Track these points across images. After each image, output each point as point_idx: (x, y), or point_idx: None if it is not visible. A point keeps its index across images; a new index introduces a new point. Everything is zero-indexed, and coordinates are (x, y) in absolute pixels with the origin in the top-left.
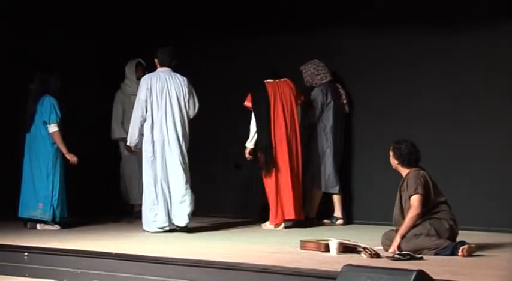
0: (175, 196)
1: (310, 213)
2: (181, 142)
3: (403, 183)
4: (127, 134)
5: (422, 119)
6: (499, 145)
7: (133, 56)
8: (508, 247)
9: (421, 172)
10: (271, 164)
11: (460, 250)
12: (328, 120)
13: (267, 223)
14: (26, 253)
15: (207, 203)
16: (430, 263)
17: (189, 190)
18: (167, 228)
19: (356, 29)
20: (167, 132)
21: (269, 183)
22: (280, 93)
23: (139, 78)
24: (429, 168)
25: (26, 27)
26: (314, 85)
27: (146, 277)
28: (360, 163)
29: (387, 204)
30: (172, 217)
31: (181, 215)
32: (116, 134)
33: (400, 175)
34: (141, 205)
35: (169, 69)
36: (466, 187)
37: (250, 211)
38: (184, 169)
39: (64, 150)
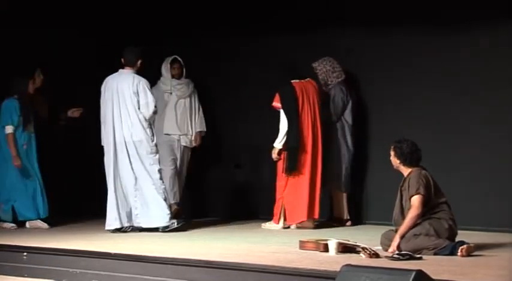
0: (135, 197)
1: (342, 214)
2: (130, 144)
3: (404, 183)
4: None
5: (422, 119)
6: (499, 145)
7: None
8: (508, 247)
9: (423, 172)
10: (295, 165)
11: (459, 250)
12: (348, 119)
13: (267, 223)
14: (25, 253)
15: (207, 203)
16: (429, 263)
17: (156, 192)
18: (117, 230)
19: (356, 29)
20: (113, 134)
21: (288, 183)
22: (306, 93)
23: (174, 76)
24: (429, 168)
25: (26, 27)
26: (330, 83)
27: (145, 277)
28: (360, 163)
29: (387, 204)
30: (133, 217)
31: (154, 218)
32: None
33: (401, 174)
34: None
35: (131, 70)
36: (466, 187)
37: (250, 211)
38: (141, 171)
39: (13, 153)
